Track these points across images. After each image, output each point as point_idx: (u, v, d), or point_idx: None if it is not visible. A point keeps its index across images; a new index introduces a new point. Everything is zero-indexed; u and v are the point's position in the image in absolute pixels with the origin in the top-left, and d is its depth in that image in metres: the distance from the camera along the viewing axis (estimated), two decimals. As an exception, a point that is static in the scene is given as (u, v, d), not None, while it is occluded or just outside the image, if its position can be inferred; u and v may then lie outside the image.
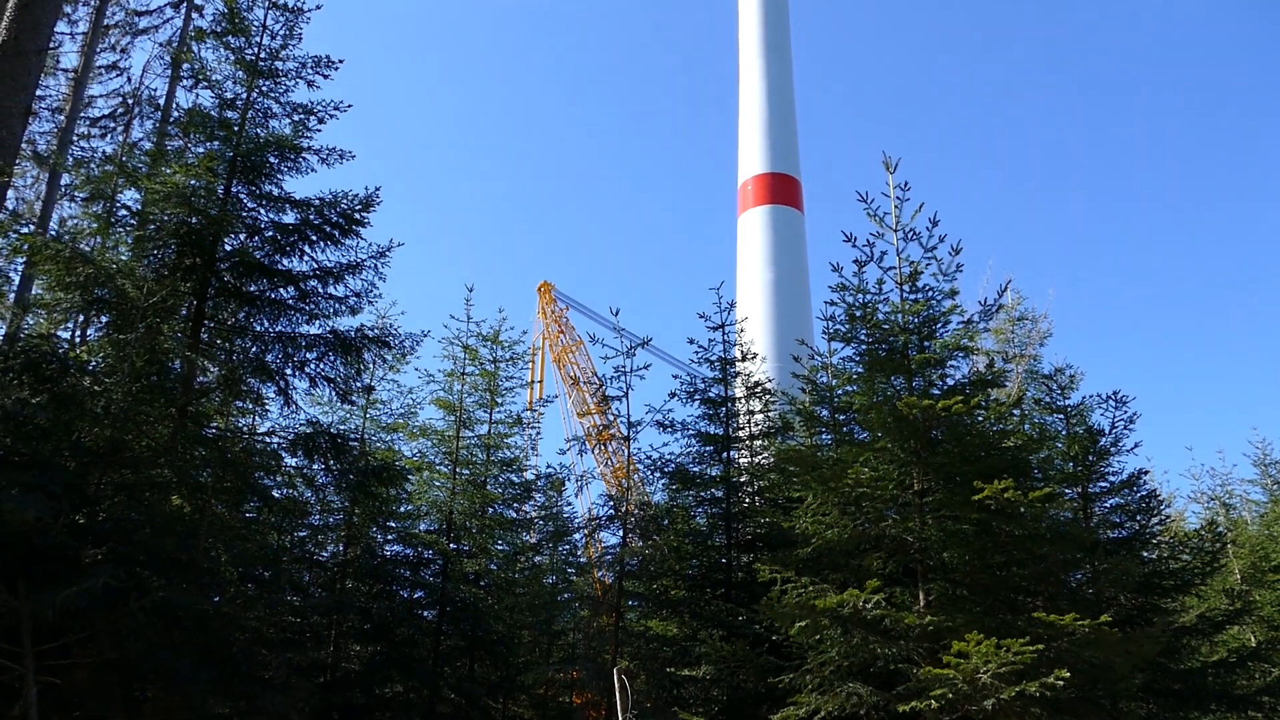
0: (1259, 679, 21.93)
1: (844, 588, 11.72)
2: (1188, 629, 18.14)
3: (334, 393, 16.77)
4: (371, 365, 19.81)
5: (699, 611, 17.92)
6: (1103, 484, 18.49)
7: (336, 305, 16.36)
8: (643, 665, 18.90)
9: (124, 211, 15.51)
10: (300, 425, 16.05)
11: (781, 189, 64.75)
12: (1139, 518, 18.63)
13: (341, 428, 19.74)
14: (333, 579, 19.98)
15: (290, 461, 16.42)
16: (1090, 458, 18.00)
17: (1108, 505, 18.82)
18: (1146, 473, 18.71)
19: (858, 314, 13.95)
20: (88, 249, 14.25)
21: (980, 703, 10.50)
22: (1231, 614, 19.26)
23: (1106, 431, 18.06)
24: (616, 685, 11.19)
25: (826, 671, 12.37)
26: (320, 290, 16.22)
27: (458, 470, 21.01)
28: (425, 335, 17.71)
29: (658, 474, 19.92)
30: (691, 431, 19.49)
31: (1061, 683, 9.54)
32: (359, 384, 17.84)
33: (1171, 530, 21.12)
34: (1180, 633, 17.89)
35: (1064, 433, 18.73)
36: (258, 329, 15.97)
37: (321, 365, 16.27)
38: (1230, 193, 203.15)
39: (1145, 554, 18.84)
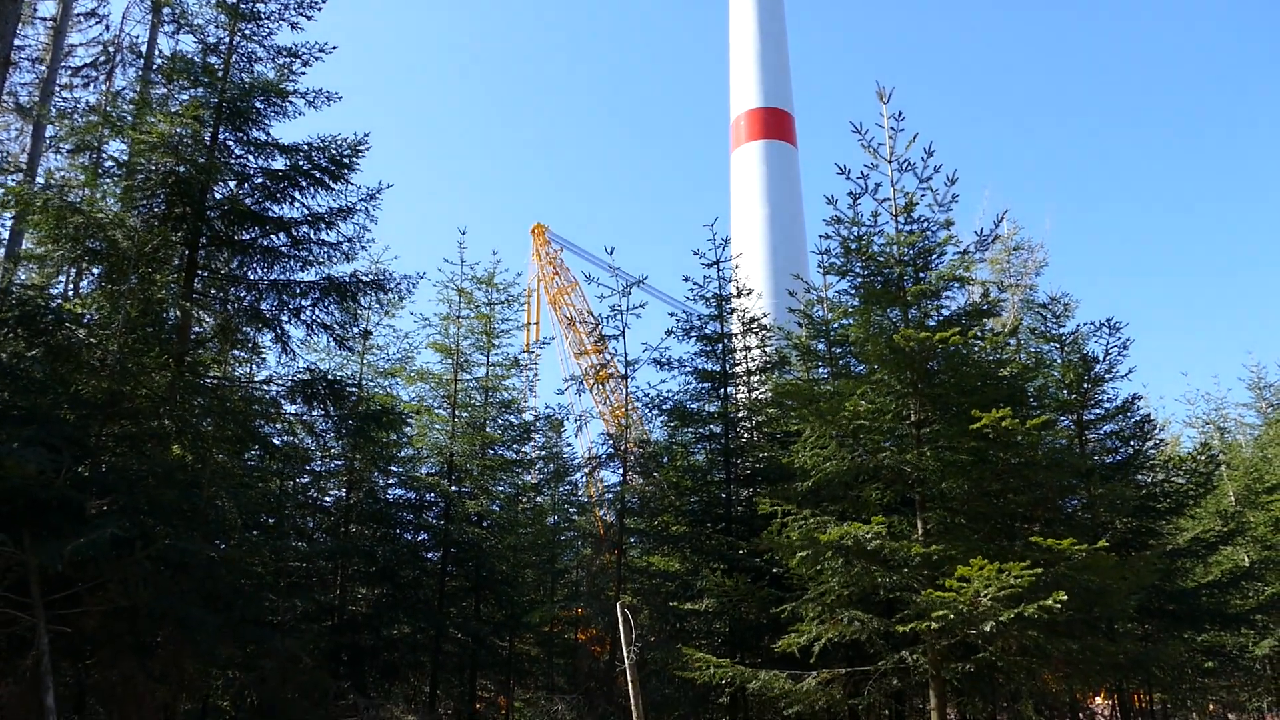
0: (1252, 598, 22.30)
1: (843, 519, 11.84)
2: (1182, 551, 18.40)
3: (331, 339, 16.75)
4: (367, 310, 19.79)
5: (700, 546, 18.11)
6: (1098, 410, 18.61)
7: (330, 251, 16.28)
8: (645, 600, 19.17)
9: (111, 162, 15.35)
10: (298, 372, 16.06)
11: (774, 123, 64.11)
12: (1133, 443, 18.78)
13: (339, 374, 19.80)
14: (336, 524, 20.16)
15: (289, 409, 16.46)
16: (1085, 385, 18.09)
17: (1103, 431, 18.97)
18: (1141, 398, 18.84)
19: (853, 246, 13.86)
20: (76, 200, 14.11)
21: (979, 625, 10.66)
22: (1225, 535, 19.51)
23: (1101, 358, 18.13)
24: (620, 620, 11.35)
25: (828, 600, 12.53)
26: (313, 236, 16.12)
27: (457, 413, 21.08)
28: (420, 279, 17.65)
29: (656, 412, 20.02)
30: (689, 369, 19.53)
31: (1059, 605, 9.67)
32: (355, 329, 17.81)
33: (1166, 454, 21.28)
34: (1175, 554, 18.15)
35: (1059, 361, 18.80)
36: (252, 277, 15.90)
37: (317, 311, 16.22)
38: (1226, 122, 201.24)
39: (1140, 478, 19.03)
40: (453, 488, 20.17)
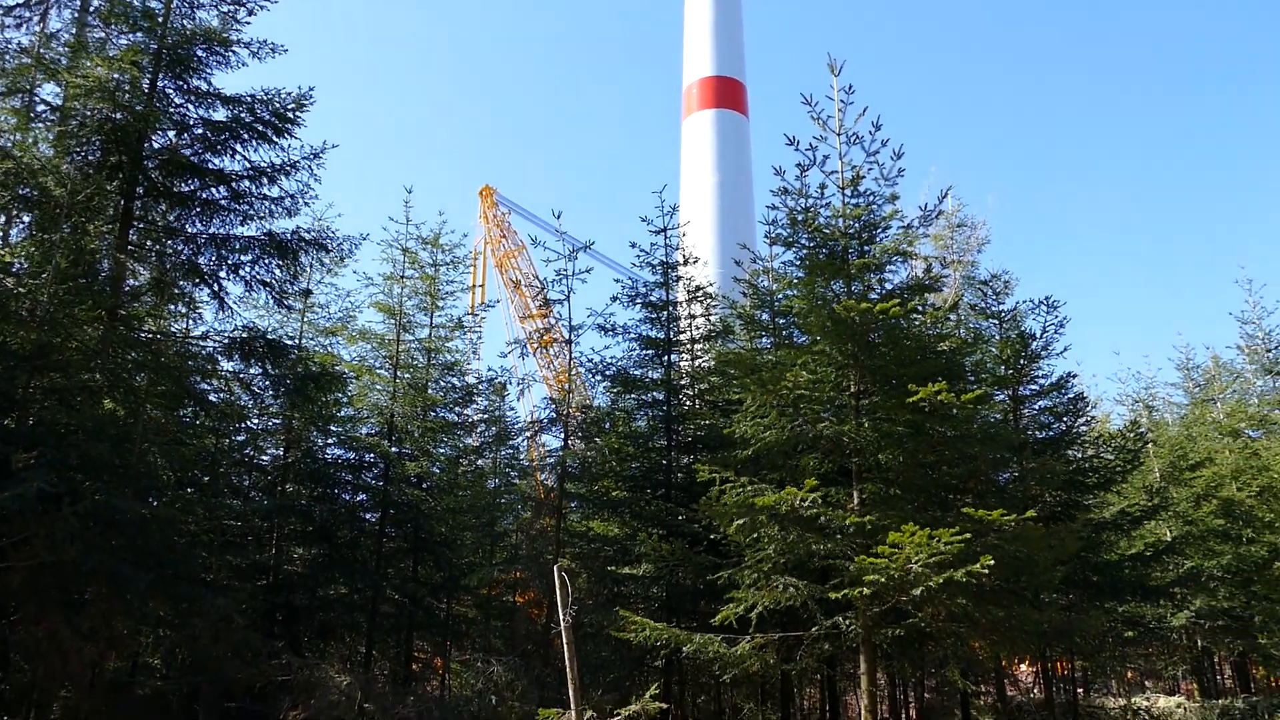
0: (1171, 571, 23.04)
1: (781, 487, 11.97)
2: (1108, 524, 18.91)
3: (270, 296, 16.55)
4: (309, 268, 19.49)
5: (639, 512, 18.22)
6: (1033, 386, 19.01)
7: (271, 206, 16.01)
8: (584, 564, 19.26)
9: (44, 107, 14.90)
10: (236, 329, 15.83)
11: (726, 93, 63.99)
12: (1066, 419, 19.22)
13: (279, 332, 19.49)
14: (273, 483, 19.95)
15: (226, 366, 16.24)
16: (1022, 361, 18.45)
17: (1037, 407, 19.38)
18: (1074, 376, 19.28)
19: (799, 218, 13.93)
20: (7, 145, 13.68)
21: (910, 591, 10.88)
22: (1149, 510, 20.09)
23: (1038, 336, 18.50)
24: (557, 582, 11.39)
25: (764, 567, 12.69)
26: (254, 191, 15.85)
27: (398, 374, 20.90)
28: (364, 238, 17.46)
29: (599, 377, 20.04)
30: (633, 335, 19.55)
31: (987, 570, 9.89)
32: (296, 287, 17.58)
33: (1096, 431, 21.82)
34: (1100, 528, 18.66)
35: (997, 337, 19.14)
36: (190, 230, 15.59)
37: (257, 268, 15.99)
38: (1170, 108, 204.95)
39: (1071, 453, 19.50)
40: (393, 449, 20.03)
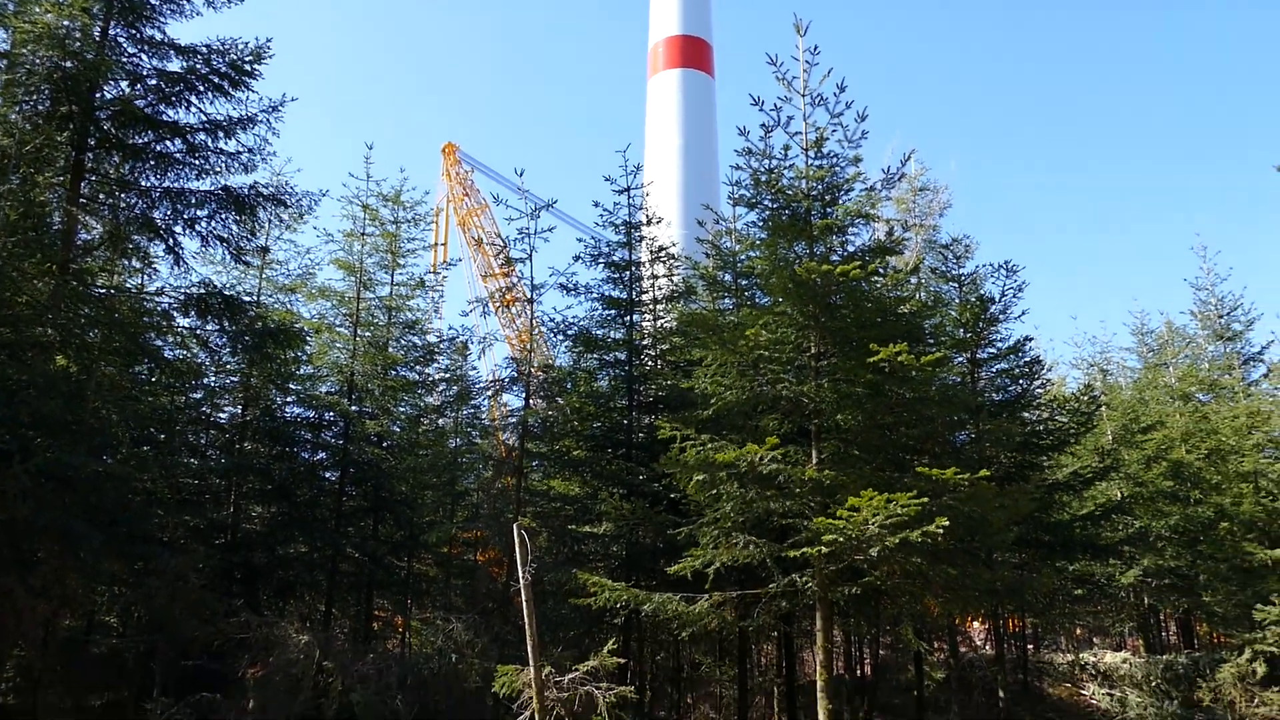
0: (1121, 531, 23.55)
1: (742, 446, 12.06)
2: (1060, 485, 19.26)
3: (227, 252, 16.33)
4: (267, 224, 19.25)
5: (600, 471, 18.29)
6: (991, 349, 19.23)
7: (228, 161, 15.76)
8: (544, 523, 19.34)
9: (-10, 53, 14.48)
10: (192, 285, 15.60)
11: (692, 52, 63.57)
12: (1022, 382, 19.49)
13: (236, 288, 19.28)
14: (231, 441, 19.77)
15: (182, 322, 16.03)
16: (980, 324, 18.64)
17: (994, 370, 19.62)
18: (1032, 339, 19.54)
19: (763, 179, 13.92)
20: (-51, 93, 13.32)
21: (866, 551, 11.04)
22: (1101, 471, 20.47)
23: (997, 299, 18.68)
24: (516, 541, 11.43)
25: (724, 525, 12.81)
26: (210, 144, 15.58)
27: (359, 332, 20.71)
28: (324, 195, 17.25)
29: (561, 337, 19.99)
30: (596, 295, 19.50)
31: (941, 531, 10.05)
32: (254, 243, 17.35)
33: (1051, 394, 22.15)
34: (1053, 488, 19.00)
35: (957, 300, 19.30)
36: (144, 184, 15.29)
37: (213, 223, 15.75)
38: (1124, 74, 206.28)
39: (1026, 415, 19.79)
40: (353, 407, 19.90)
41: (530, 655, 11.11)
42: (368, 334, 20.99)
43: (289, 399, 20.65)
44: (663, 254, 19.87)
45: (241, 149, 15.65)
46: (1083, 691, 25.14)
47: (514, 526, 11.65)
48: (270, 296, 20.77)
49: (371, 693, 15.17)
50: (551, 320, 20.09)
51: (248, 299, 18.19)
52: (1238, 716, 22.27)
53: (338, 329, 20.83)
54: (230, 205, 15.53)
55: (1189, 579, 25.84)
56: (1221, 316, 28.69)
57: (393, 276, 21.45)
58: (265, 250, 19.55)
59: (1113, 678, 25.14)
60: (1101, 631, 33.61)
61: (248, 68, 15.16)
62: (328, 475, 20.49)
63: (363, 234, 21.09)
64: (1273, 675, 23.44)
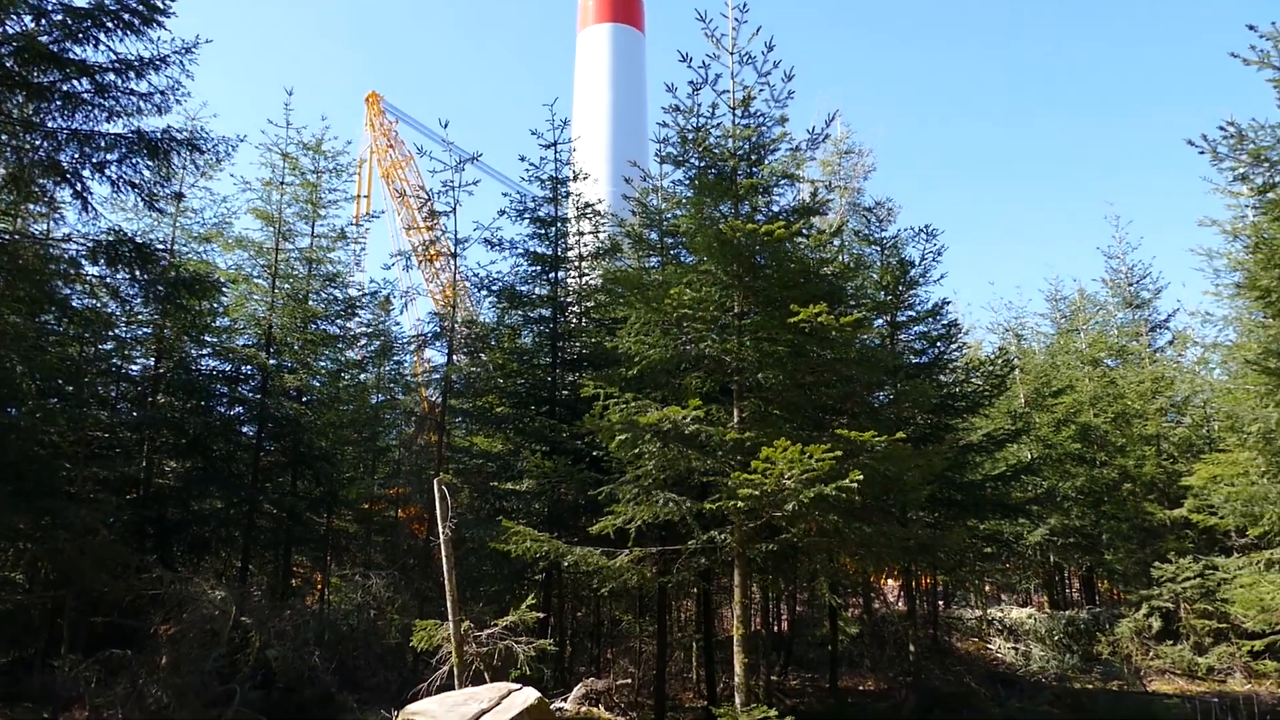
0: (1030, 491, 24.32)
1: (665, 405, 12.13)
2: (974, 446, 19.76)
3: (139, 198, 15.73)
4: (181, 170, 18.63)
5: (523, 428, 18.25)
6: (910, 312, 19.57)
7: (140, 102, 15.17)
8: (467, 480, 19.26)
9: (-123, -17, 13.71)
10: (101, 232, 15.07)
11: (623, 6, 62.95)
12: (940, 344, 19.89)
13: (149, 236, 18.65)
14: (143, 394, 19.24)
15: (91, 270, 15.49)
16: (900, 287, 18.95)
17: (913, 332, 19.99)
18: (950, 303, 19.93)
19: (690, 137, 13.89)
20: None
21: (783, 506, 11.22)
22: (1013, 433, 21.04)
23: (917, 263, 18.98)
24: (437, 496, 11.38)
25: (645, 483, 12.90)
26: (120, 85, 14.95)
27: (277, 284, 20.24)
28: (241, 141, 16.74)
29: (485, 292, 19.81)
30: (520, 250, 19.33)
31: (856, 486, 10.24)
32: (167, 190, 16.78)
33: (967, 357, 22.66)
34: (966, 449, 19.49)
35: (878, 263, 19.57)
36: (49, 125, 14.66)
37: (124, 168, 15.16)
38: (1044, 46, 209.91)
39: (943, 378, 20.22)
40: (271, 361, 19.50)
41: (449, 610, 11.12)
42: (287, 286, 20.54)
43: (204, 351, 20.14)
44: (589, 210, 19.76)
45: (153, 90, 15.07)
46: (989, 646, 26.04)
47: (435, 482, 11.59)
48: (185, 245, 20.16)
49: (289, 648, 15.04)
50: (476, 275, 19.92)
51: (161, 247, 17.60)
52: (1133, 669, 23.29)
53: (255, 280, 20.33)
54: (142, 149, 14.98)
55: (1092, 538, 26.87)
56: (1131, 285, 29.60)
57: (313, 228, 20.98)
58: (179, 197, 18.94)
59: (1018, 632, 26.10)
60: (1009, 588, 34.77)
61: (159, 4, 14.58)
62: (245, 430, 20.10)
63: (282, 183, 20.57)
64: (1167, 629, 24.56)
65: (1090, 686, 21.75)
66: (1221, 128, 15.22)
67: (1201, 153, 15.45)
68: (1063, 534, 26.31)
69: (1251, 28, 14.89)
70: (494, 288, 19.50)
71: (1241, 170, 15.63)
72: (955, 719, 16.70)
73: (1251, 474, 18.75)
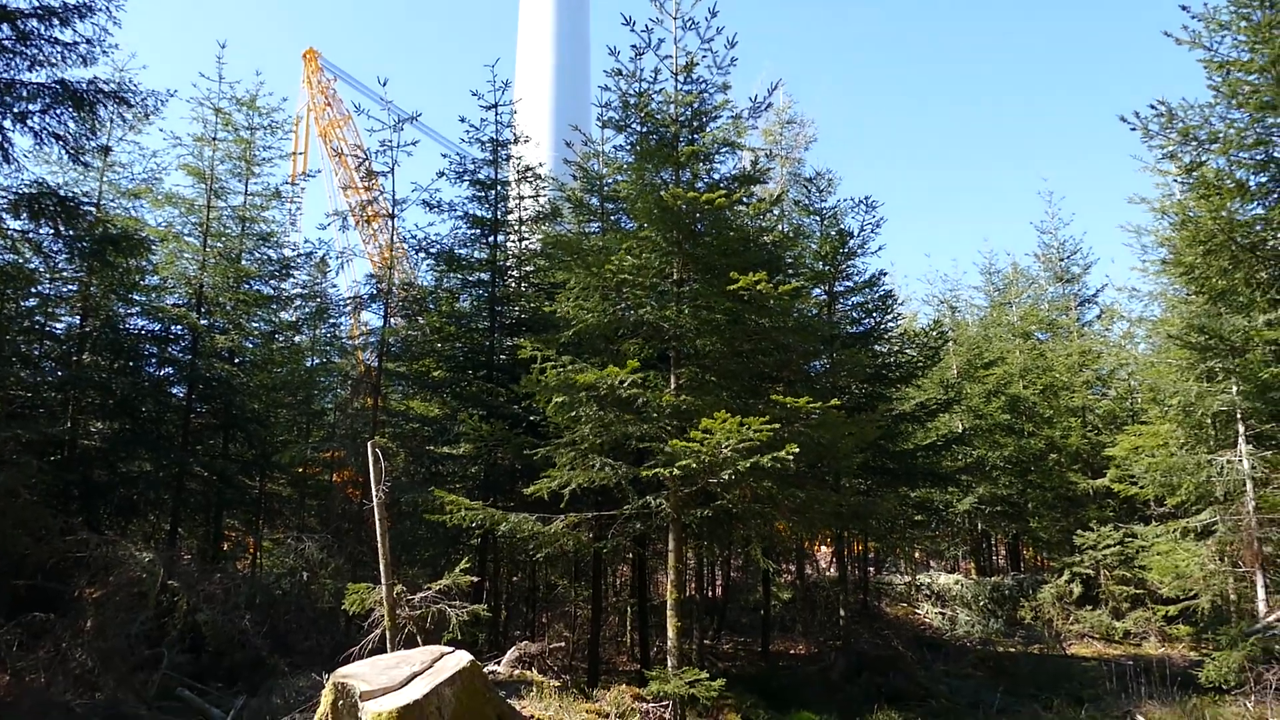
0: (960, 460, 24.83)
1: (602, 369, 12.14)
2: (906, 415, 20.10)
3: (64, 151, 15.28)
4: (109, 123, 18.07)
5: (460, 392, 18.14)
6: (848, 282, 19.77)
7: (64, 52, 14.69)
8: (403, 444, 19.12)
9: None
10: (24, 185, 14.62)
11: (567, -32, 62.22)
12: (876, 315, 20.14)
13: (74, 190, 18.10)
14: (68, 353, 18.73)
15: (13, 224, 15.05)
16: (839, 257, 19.11)
17: (850, 302, 20.21)
18: (886, 274, 20.17)
19: (632, 102, 13.83)
20: None
21: (719, 474, 11.32)
22: (944, 403, 21.44)
23: (855, 234, 19.14)
24: (370, 459, 11.28)
25: (582, 447, 12.93)
26: (43, 33, 14.47)
27: (209, 242, 19.79)
28: (171, 94, 16.31)
29: (423, 255, 19.56)
30: (460, 213, 19.13)
31: (791, 456, 10.37)
32: (94, 143, 16.35)
33: (903, 328, 22.99)
34: (899, 419, 19.83)
35: (818, 233, 19.71)
36: (-35, 72, 14.14)
37: (47, 119, 14.70)
38: (988, 21, 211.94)
39: (878, 348, 20.49)
40: (202, 321, 19.10)
41: (382, 573, 11.06)
42: (219, 244, 20.09)
43: (132, 310, 19.62)
44: (530, 174, 19.59)
45: (79, 39, 14.59)
46: (917, 611, 26.65)
47: (369, 445, 11.48)
48: (112, 201, 19.58)
49: (219, 612, 14.86)
50: (414, 237, 19.65)
51: (87, 202, 17.07)
52: (1054, 633, 24.01)
53: (186, 238, 19.85)
54: (67, 100, 14.51)
55: (1019, 506, 27.58)
56: (1062, 260, 30.25)
57: (247, 185, 20.54)
58: (106, 151, 18.39)
59: (945, 598, 26.73)
60: (938, 555, 35.57)
61: (85, -50, 14.11)
62: (174, 391, 19.68)
63: (214, 139, 20.07)
64: (1087, 595, 25.36)
65: (1013, 650, 22.39)
66: (1153, 106, 15.55)
67: (1133, 129, 15.77)
68: (990, 502, 26.96)
69: (1184, 8, 15.21)
70: (432, 250, 19.28)
71: (1170, 148, 15.97)
72: (882, 681, 17.06)
73: (1171, 445, 19.33)
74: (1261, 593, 18.59)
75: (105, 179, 19.37)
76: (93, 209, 17.61)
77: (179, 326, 19.27)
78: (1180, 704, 15.17)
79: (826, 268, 19.17)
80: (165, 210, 20.04)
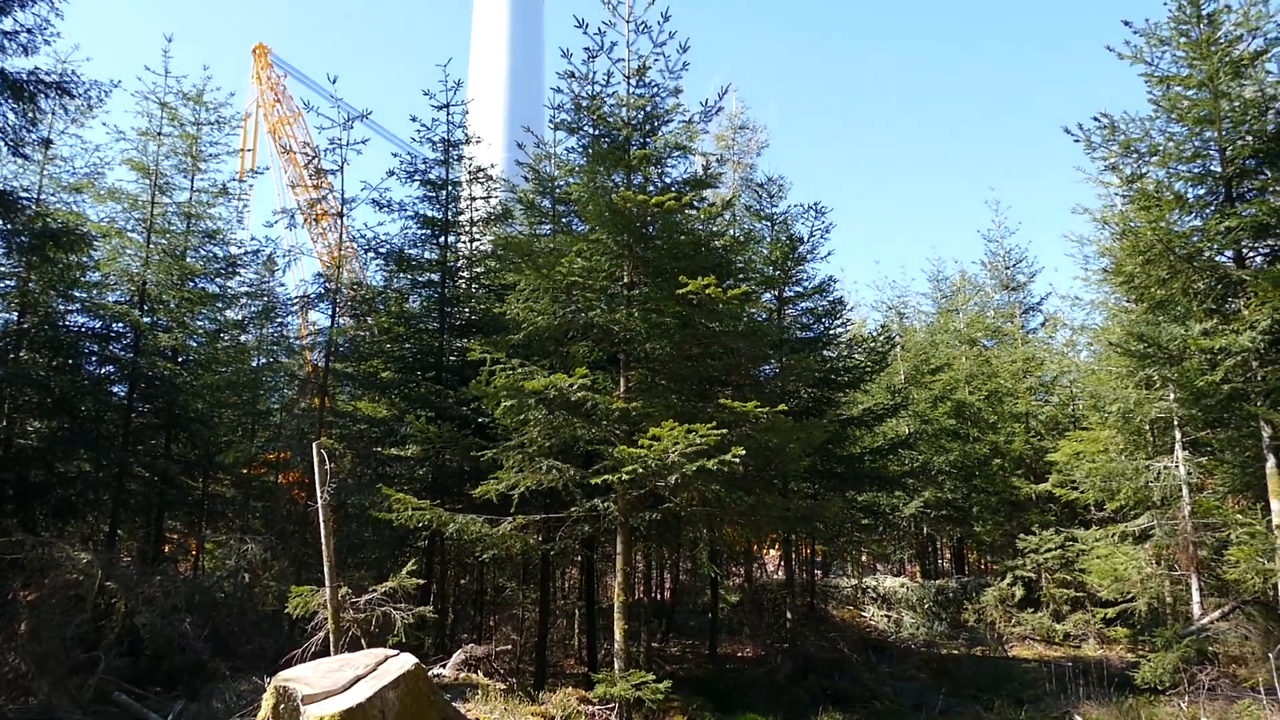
0: (906, 464, 25.13)
1: (552, 372, 12.13)
2: (854, 420, 20.29)
3: (3, 143, 14.98)
4: (50, 116, 17.72)
5: (409, 393, 18.01)
6: (797, 288, 19.93)
7: (4, 40, 14.46)
8: (350, 445, 18.94)
9: None
10: (-40, 177, 14.30)
11: (522, -31, 62.07)
12: (825, 320, 20.32)
13: (13, 184, 17.71)
14: (5, 350, 18.30)
15: (-52, 217, 14.68)
16: (789, 263, 19.26)
17: (800, 308, 20.36)
18: (836, 280, 20.35)
19: (584, 104, 13.84)
20: None
21: (666, 478, 11.36)
22: (892, 408, 21.69)
23: (805, 239, 19.30)
24: (316, 460, 11.16)
25: (530, 450, 12.89)
26: (-19, 21, 14.18)
27: (153, 239, 19.44)
28: (115, 86, 16.03)
29: (373, 254, 19.38)
30: (410, 213, 18.98)
31: (738, 460, 10.44)
32: (34, 135, 16.01)
33: (851, 333, 23.25)
34: (847, 423, 20.01)
35: (768, 238, 19.86)
36: (-100, 60, 13.81)
37: (-14, 110, 14.41)
38: (938, 33, 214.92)
39: (827, 353, 20.67)
40: (145, 319, 18.75)
41: (326, 575, 10.95)
42: (163, 241, 19.74)
43: (72, 307, 19.21)
44: (481, 175, 19.51)
45: (19, 28, 14.33)
46: (863, 614, 26.91)
47: (314, 446, 11.36)
48: (53, 195, 19.17)
49: (158, 615, 14.59)
50: (363, 237, 19.47)
51: (26, 196, 16.73)
52: (997, 635, 24.37)
53: (129, 234, 19.48)
54: (6, 91, 14.24)
55: (963, 510, 27.97)
56: (1008, 268, 30.74)
57: (193, 182, 20.21)
58: (47, 144, 18.01)
59: (890, 601, 27.04)
60: (884, 558, 35.94)
61: (26, -62, 13.84)
62: (115, 389, 19.31)
63: (159, 134, 19.73)
64: (1029, 598, 25.78)
65: (956, 652, 22.68)
66: (1096, 118, 15.89)
67: (1077, 141, 16.10)
68: (936, 506, 27.31)
69: (1127, 23, 15.56)
70: (382, 250, 19.11)
71: (1113, 160, 16.33)
72: (828, 683, 17.20)
73: (1111, 451, 19.74)
74: (1196, 595, 19.04)
75: (46, 172, 18.97)
76: (32, 203, 17.26)
77: (121, 324, 18.90)
78: (1117, 704, 15.47)
79: (776, 273, 19.30)
80: (108, 205, 19.66)
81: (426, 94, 18.93)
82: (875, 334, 22.92)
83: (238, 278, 21.88)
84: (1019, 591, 25.72)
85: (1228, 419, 15.53)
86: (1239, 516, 14.65)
